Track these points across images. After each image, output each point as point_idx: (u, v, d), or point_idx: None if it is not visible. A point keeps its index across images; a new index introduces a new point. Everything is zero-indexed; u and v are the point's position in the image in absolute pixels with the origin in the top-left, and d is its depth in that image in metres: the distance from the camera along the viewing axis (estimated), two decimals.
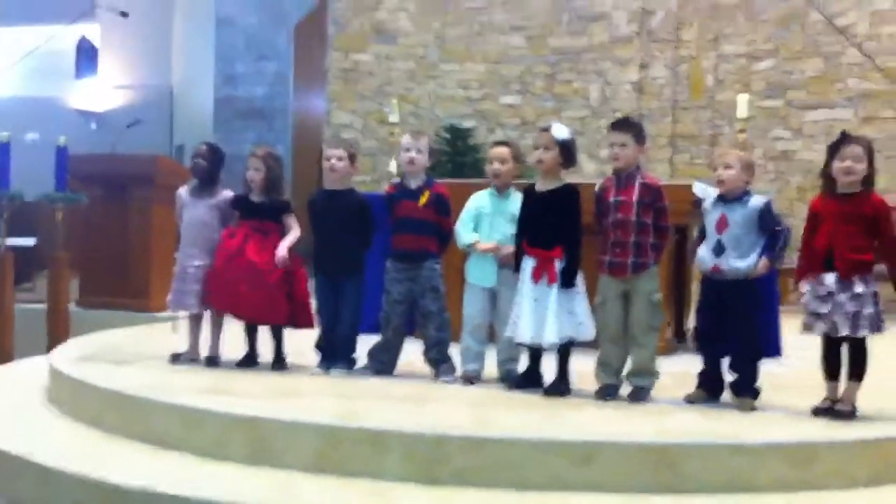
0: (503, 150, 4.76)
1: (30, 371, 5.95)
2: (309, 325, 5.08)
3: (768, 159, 11.10)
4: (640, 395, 4.37)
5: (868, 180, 4.09)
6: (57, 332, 7.04)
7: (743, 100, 8.32)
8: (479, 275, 4.75)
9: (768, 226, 4.26)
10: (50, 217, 7.83)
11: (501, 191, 4.76)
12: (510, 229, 4.67)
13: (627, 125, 4.52)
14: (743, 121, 8.26)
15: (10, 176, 7.02)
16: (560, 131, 4.54)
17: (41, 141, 13.99)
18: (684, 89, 11.71)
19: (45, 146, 9.44)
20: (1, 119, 13.23)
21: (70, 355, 5.43)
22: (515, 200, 4.72)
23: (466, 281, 4.82)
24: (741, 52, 11.42)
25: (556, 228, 4.46)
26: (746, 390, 4.28)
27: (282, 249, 4.94)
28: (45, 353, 6.19)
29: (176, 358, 5.24)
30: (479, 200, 4.81)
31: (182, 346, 5.29)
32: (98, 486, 3.66)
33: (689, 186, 5.82)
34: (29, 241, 10.19)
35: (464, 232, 4.76)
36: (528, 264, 4.48)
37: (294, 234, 5.05)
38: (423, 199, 4.82)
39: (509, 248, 4.63)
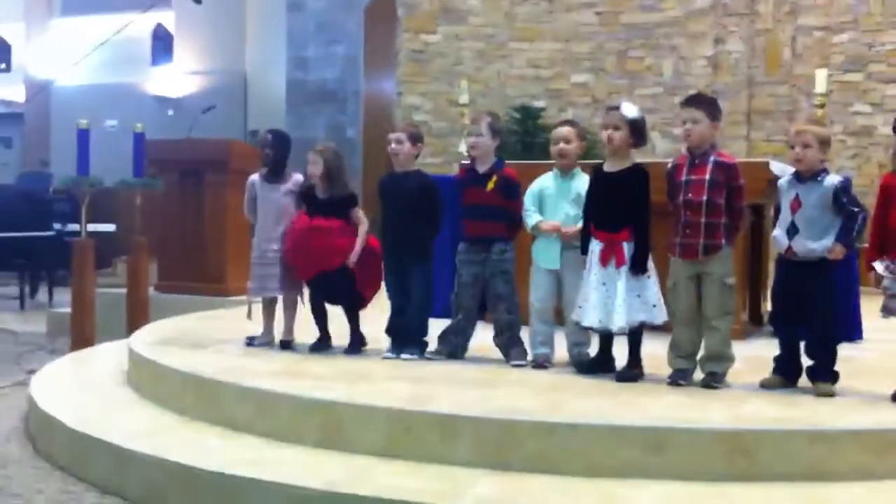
0: (568, 130, 4.72)
1: (110, 354, 6.11)
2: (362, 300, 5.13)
3: (848, 135, 10.78)
4: (713, 380, 4.28)
5: None
6: (136, 317, 7.20)
7: (821, 75, 8.07)
8: (544, 257, 4.72)
9: (843, 207, 4.11)
10: (129, 203, 7.99)
11: (566, 171, 4.72)
12: (573, 210, 4.64)
13: (699, 101, 4.43)
14: (821, 96, 8.02)
15: (89, 162, 7.17)
16: (629, 110, 4.47)
17: (119, 127, 14.30)
18: (760, 64, 11.42)
19: (123, 132, 9.64)
20: (80, 106, 13.56)
21: (148, 339, 5.55)
22: (580, 181, 4.68)
23: (533, 263, 4.79)
24: (819, 25, 11.08)
25: (624, 211, 4.40)
26: (824, 375, 4.17)
27: (353, 256, 4.96)
28: (125, 336, 6.34)
29: (251, 341, 5.32)
30: (543, 182, 4.78)
31: (257, 329, 5.37)
32: (174, 468, 3.74)
33: (766, 164, 5.70)
34: (109, 227, 10.45)
35: (527, 215, 4.73)
36: (596, 247, 4.43)
37: (364, 226, 5.05)
38: (491, 185, 4.80)
39: (571, 228, 4.59)
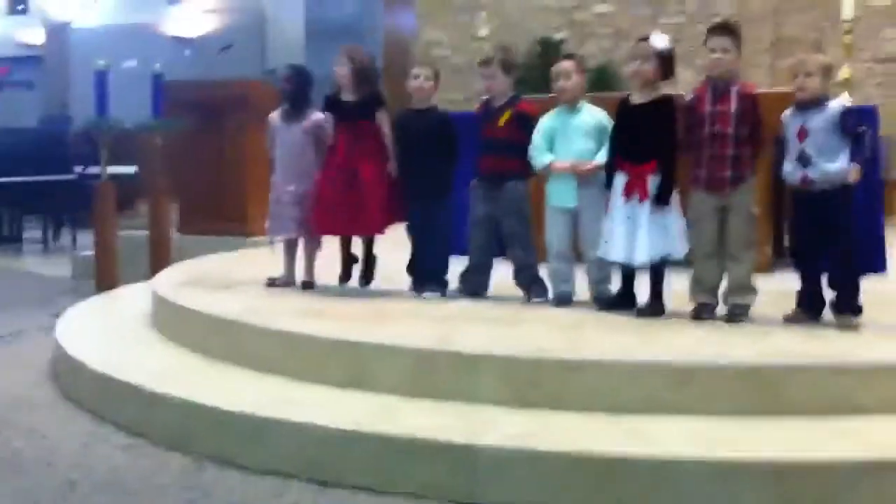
0: (566, 65, 4.64)
1: (134, 297, 6.14)
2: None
3: (876, 62, 10.56)
4: (738, 313, 4.25)
5: None
6: (159, 259, 7.22)
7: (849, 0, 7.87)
8: (560, 196, 4.64)
9: (850, 128, 4.04)
10: (149, 144, 7.97)
11: (571, 106, 4.64)
12: (585, 144, 4.56)
13: (730, 29, 4.34)
14: (849, 22, 7.82)
15: (108, 103, 7.13)
16: (659, 41, 4.38)
17: (138, 68, 14.24)
18: None
19: (141, 73, 9.61)
20: (98, 47, 13.49)
21: (172, 281, 5.58)
22: (587, 113, 4.61)
23: (547, 203, 4.72)
24: None
25: (651, 142, 4.32)
26: (848, 308, 4.13)
27: (392, 167, 4.97)
28: (149, 278, 6.37)
29: (272, 282, 5.33)
30: (550, 120, 4.68)
31: (278, 269, 5.37)
32: (200, 409, 3.78)
33: (790, 94, 5.57)
34: (130, 169, 10.46)
35: (538, 154, 4.65)
36: (620, 180, 4.37)
37: (387, 130, 5.00)
38: (503, 119, 4.74)
39: (586, 164, 4.53)
